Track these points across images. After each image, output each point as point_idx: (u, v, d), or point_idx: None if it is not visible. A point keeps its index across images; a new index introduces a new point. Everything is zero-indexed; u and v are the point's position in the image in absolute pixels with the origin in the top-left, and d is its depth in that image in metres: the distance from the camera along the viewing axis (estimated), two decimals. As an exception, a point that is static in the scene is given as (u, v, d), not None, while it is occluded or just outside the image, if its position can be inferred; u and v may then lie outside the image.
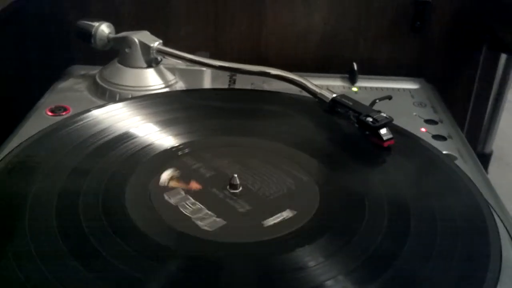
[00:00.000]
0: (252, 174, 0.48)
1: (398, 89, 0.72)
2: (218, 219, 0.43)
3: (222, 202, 0.45)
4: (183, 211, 0.44)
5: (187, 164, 0.50)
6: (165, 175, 0.48)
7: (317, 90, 0.61)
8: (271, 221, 0.43)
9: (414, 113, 0.65)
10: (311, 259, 0.39)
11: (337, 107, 0.59)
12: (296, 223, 0.43)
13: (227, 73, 0.71)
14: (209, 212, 0.44)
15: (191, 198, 0.45)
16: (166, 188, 0.46)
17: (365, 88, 0.72)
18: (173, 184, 0.47)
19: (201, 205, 0.44)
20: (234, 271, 0.39)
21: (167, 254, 0.39)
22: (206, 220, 0.43)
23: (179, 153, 0.51)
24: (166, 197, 0.45)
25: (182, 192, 0.46)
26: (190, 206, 0.44)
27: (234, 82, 0.71)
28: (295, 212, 0.43)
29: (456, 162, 0.54)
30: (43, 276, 0.36)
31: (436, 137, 0.60)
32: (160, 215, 0.43)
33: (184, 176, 0.48)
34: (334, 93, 0.60)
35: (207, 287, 0.37)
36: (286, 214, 0.44)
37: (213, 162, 0.50)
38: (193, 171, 0.49)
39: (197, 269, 0.38)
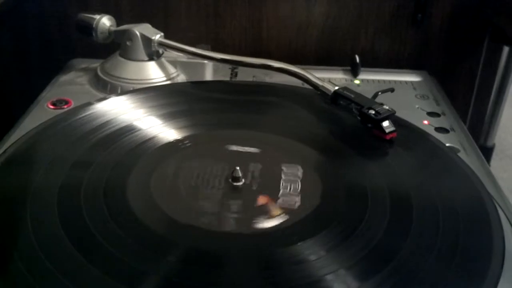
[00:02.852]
0: (254, 167, 0.48)
1: (401, 82, 0.71)
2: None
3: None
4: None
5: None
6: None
7: (319, 82, 0.61)
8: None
9: (417, 106, 0.65)
10: (312, 253, 0.39)
11: (339, 99, 0.59)
12: (298, 216, 0.43)
13: (229, 66, 0.71)
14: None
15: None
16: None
17: (368, 80, 0.71)
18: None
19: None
20: (234, 263, 0.39)
21: (168, 246, 0.39)
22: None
23: (182, 146, 0.51)
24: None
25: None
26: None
27: (236, 75, 0.70)
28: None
29: (459, 154, 0.54)
30: (45, 268, 0.36)
31: (439, 129, 0.60)
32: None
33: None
34: (336, 85, 0.60)
35: (205, 278, 0.37)
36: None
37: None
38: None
39: (196, 260, 0.39)
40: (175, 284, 0.36)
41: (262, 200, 0.45)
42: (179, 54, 0.66)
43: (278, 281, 0.37)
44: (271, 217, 0.43)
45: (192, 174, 0.47)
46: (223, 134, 0.54)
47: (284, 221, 0.42)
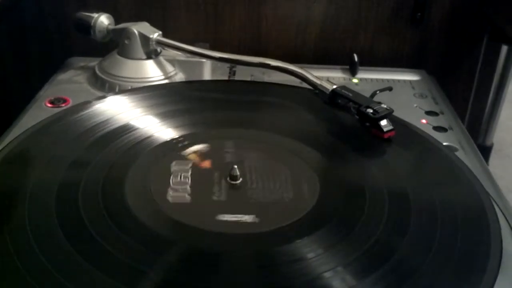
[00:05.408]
0: (251, 166, 0.48)
1: (399, 81, 0.71)
2: (187, 197, 0.44)
3: (210, 186, 0.45)
4: (170, 179, 0.46)
5: (212, 147, 0.51)
6: (194, 148, 0.50)
7: (317, 81, 0.61)
8: (229, 218, 0.42)
9: (415, 105, 0.65)
10: (310, 251, 0.39)
11: (337, 98, 0.59)
12: (296, 215, 0.43)
13: (227, 65, 0.71)
14: (187, 189, 0.45)
15: (189, 172, 0.47)
16: (182, 157, 0.49)
17: (366, 79, 0.71)
18: (191, 156, 0.49)
19: (189, 180, 0.46)
20: (232, 261, 0.39)
21: (166, 244, 0.39)
22: (177, 193, 0.45)
23: (179, 145, 0.51)
24: (173, 163, 0.48)
25: (189, 165, 0.48)
26: (180, 178, 0.46)
27: (234, 74, 0.70)
28: (257, 219, 0.42)
29: (457, 153, 0.54)
30: (43, 267, 0.36)
31: (437, 128, 0.60)
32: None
33: (205, 154, 0.50)
34: (335, 84, 0.60)
35: (204, 277, 0.37)
36: (249, 218, 0.43)
37: (214, 154, 0.50)
38: (213, 153, 0.50)
39: (195, 259, 0.39)
40: (173, 283, 0.36)
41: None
42: (177, 53, 0.66)
43: (276, 279, 0.37)
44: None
45: (189, 173, 0.47)
46: (221, 133, 0.54)
47: (282, 220, 0.42)
